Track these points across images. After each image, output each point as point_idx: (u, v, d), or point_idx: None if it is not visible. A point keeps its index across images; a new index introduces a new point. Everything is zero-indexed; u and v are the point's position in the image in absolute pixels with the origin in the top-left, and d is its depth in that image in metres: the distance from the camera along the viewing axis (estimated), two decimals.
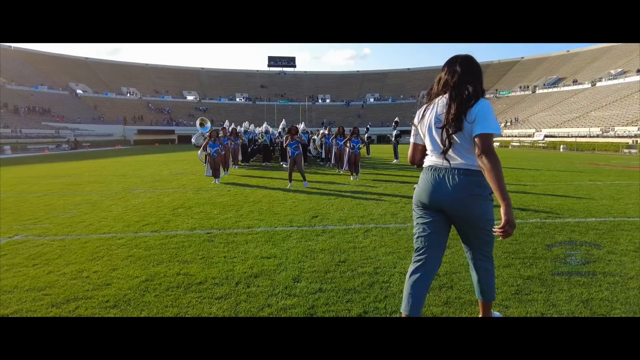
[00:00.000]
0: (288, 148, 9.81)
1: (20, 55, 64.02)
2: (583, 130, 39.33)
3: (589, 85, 54.30)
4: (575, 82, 57.70)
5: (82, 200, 8.18)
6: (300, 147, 9.96)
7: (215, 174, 10.97)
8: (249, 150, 18.44)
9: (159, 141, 57.30)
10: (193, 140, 14.31)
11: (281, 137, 16.74)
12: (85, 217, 6.51)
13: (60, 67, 67.22)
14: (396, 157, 18.60)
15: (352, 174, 11.51)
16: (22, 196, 8.84)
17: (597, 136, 36.51)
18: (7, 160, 24.25)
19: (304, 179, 9.91)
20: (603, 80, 52.68)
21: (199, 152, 12.38)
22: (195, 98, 75.25)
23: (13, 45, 65.36)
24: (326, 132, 17.95)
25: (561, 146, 35.30)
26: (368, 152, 23.45)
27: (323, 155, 17.65)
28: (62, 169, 16.43)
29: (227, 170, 12.98)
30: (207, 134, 13.52)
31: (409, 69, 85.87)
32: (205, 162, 11.84)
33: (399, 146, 19.04)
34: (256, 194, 8.74)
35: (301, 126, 20.46)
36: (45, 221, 6.27)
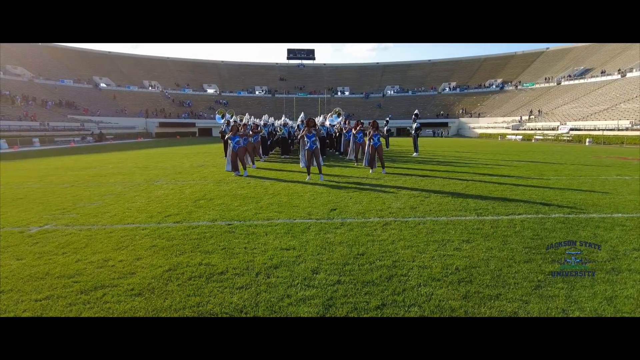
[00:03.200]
0: (306, 140, 9.78)
1: (47, 50, 65.77)
2: (611, 123, 37.98)
3: (619, 76, 52.24)
4: (603, 73, 55.67)
5: (107, 192, 8.42)
6: (318, 141, 9.95)
7: (234, 167, 11.09)
8: (268, 143, 18.57)
9: (180, 134, 58.10)
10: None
11: (300, 130, 16.78)
12: (110, 208, 6.71)
13: (85, 61, 68.75)
14: (416, 150, 18.40)
15: (371, 169, 11.41)
16: (51, 187, 9.16)
17: (627, 129, 35.19)
18: (37, 152, 25.08)
19: (320, 172, 9.93)
20: (634, 70, 50.58)
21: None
22: (216, 91, 75.96)
23: None
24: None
25: (587, 139, 34.20)
26: (387, 145, 23.27)
27: (342, 149, 17.64)
28: (87, 161, 16.91)
29: (254, 164, 13.23)
30: (225, 124, 13.80)
31: (430, 60, 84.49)
32: (227, 155, 12.01)
33: (419, 139, 18.84)
34: (275, 187, 8.82)
35: (320, 119, 20.41)
36: (73, 211, 6.50)
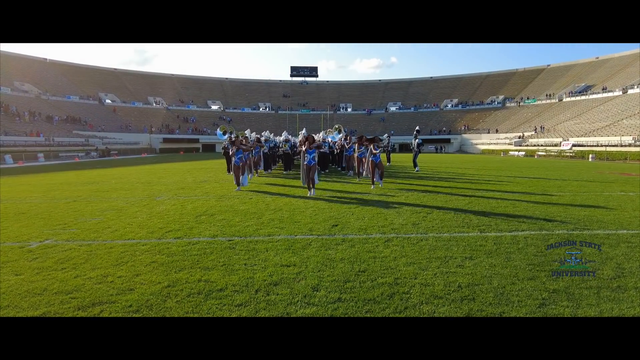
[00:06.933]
0: (306, 155, 9.88)
1: (54, 67, 66.82)
2: (614, 139, 37.97)
3: (620, 93, 52.46)
4: (605, 89, 55.92)
5: (109, 207, 8.41)
6: (317, 157, 10.04)
7: (237, 181, 11.11)
8: (270, 157, 18.64)
9: (184, 149, 58.47)
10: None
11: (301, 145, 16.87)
12: (111, 223, 6.69)
13: (91, 78, 69.66)
14: (415, 166, 18.41)
15: (372, 183, 11.42)
16: (54, 202, 9.17)
17: (629, 145, 35.17)
18: (41, 167, 25.21)
19: (313, 187, 9.97)
20: (635, 87, 50.81)
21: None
22: (220, 107, 76.63)
23: (48, 57, 68.37)
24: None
25: (590, 155, 34.16)
26: (388, 160, 23.30)
27: (344, 164, 17.68)
28: (90, 176, 16.97)
29: (250, 175, 13.18)
30: (227, 141, 13.95)
31: (431, 77, 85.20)
32: (230, 171, 12.05)
33: (418, 155, 18.80)
34: (277, 202, 8.80)
35: (321, 135, 20.52)
36: (74, 226, 6.48)
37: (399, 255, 4.67)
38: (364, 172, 12.53)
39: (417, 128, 19.35)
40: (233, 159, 11.16)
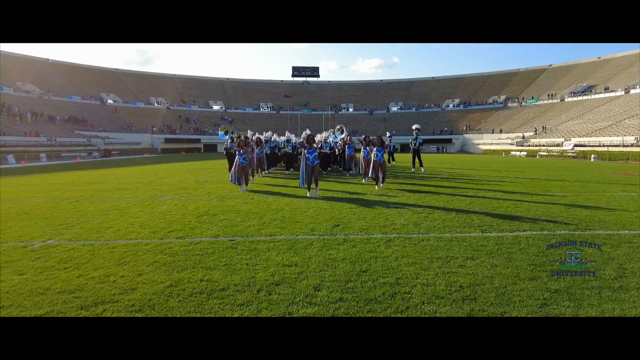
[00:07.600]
0: (307, 155, 9.88)
1: (56, 67, 66.96)
2: (616, 139, 37.88)
3: (622, 93, 52.34)
4: (607, 89, 55.78)
5: (111, 207, 8.44)
6: (318, 157, 10.05)
7: (239, 181, 11.12)
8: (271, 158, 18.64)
9: (186, 149, 58.54)
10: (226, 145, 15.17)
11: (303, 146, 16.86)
12: (114, 223, 6.71)
13: (92, 78, 69.75)
14: (418, 165, 18.37)
15: (377, 184, 11.42)
16: (56, 202, 9.20)
17: (632, 145, 35.08)
18: (43, 167, 25.28)
19: (316, 187, 9.99)
20: (637, 87, 50.66)
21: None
22: (221, 107, 76.69)
23: (50, 58, 68.55)
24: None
25: (592, 155, 34.09)
26: (391, 161, 23.28)
27: (346, 164, 17.68)
28: (92, 176, 17.01)
29: (253, 177, 13.19)
30: (229, 141, 13.90)
31: (433, 77, 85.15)
32: (230, 171, 12.06)
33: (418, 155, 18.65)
34: (279, 202, 8.81)
35: (323, 135, 20.53)
36: (76, 226, 6.50)
37: (400, 255, 4.68)
38: (370, 173, 12.53)
39: (416, 126, 19.05)
40: (237, 158, 11.16)
